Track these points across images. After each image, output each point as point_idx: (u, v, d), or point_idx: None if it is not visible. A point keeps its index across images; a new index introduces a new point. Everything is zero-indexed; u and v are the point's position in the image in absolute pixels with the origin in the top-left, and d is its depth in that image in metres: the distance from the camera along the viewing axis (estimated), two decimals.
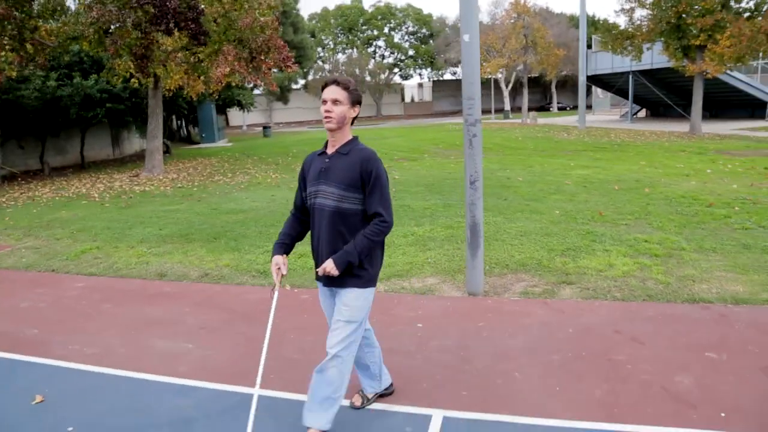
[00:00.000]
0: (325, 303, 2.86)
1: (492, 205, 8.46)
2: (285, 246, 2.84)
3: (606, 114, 40.66)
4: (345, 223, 2.61)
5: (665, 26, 19.80)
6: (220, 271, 5.85)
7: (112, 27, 12.07)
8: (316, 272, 2.71)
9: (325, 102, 2.61)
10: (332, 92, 2.60)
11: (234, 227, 7.99)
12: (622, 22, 22.65)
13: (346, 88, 2.61)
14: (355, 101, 2.65)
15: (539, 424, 2.93)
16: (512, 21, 31.04)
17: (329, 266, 2.57)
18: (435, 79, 63.04)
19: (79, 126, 20.09)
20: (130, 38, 12.02)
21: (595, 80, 33.55)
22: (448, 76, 62.12)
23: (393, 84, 60.18)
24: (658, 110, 33.53)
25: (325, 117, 2.60)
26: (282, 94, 40.37)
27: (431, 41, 57.94)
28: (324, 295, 2.85)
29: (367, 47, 58.58)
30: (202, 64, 13.01)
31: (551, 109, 51.94)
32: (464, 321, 4.34)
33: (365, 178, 2.58)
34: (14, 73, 13.04)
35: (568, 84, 54.06)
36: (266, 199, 10.41)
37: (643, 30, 21.30)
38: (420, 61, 59.10)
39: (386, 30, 58.87)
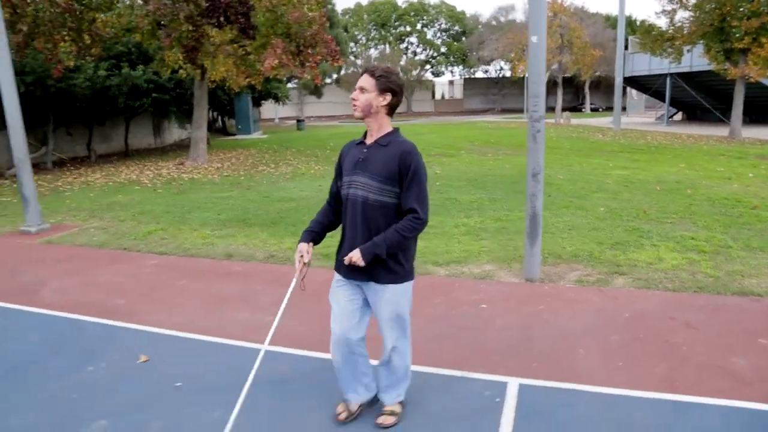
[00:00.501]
0: (340, 291, 2.75)
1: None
2: (313, 234, 2.78)
3: (640, 116, 40.30)
4: (378, 216, 2.55)
5: (708, 28, 19.67)
6: (284, 254, 6.21)
7: (164, 20, 12.51)
8: (339, 261, 2.70)
9: (354, 90, 2.59)
10: (361, 80, 2.56)
11: (289, 213, 8.37)
12: (662, 23, 22.49)
13: (372, 74, 2.54)
14: (384, 88, 2.54)
15: (609, 393, 3.21)
16: (551, 20, 30.88)
17: (356, 256, 2.52)
18: (466, 76, 62.97)
19: (124, 115, 20.77)
20: (182, 31, 12.48)
21: (631, 82, 33.29)
22: (479, 74, 61.98)
23: (424, 81, 60.29)
24: (695, 114, 33.14)
25: (352, 105, 2.59)
26: (316, 88, 40.83)
27: (463, 38, 57.90)
28: (341, 284, 2.75)
29: (400, 43, 58.79)
30: (250, 56, 13.43)
31: (583, 109, 51.56)
32: (524, 304, 4.61)
33: (403, 171, 2.51)
34: (72, 63, 13.64)
35: (601, 85, 53.60)
36: (314, 188, 10.77)
37: (684, 32, 21.17)
38: (452, 59, 59.10)
39: (419, 26, 58.99)
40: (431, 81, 62.70)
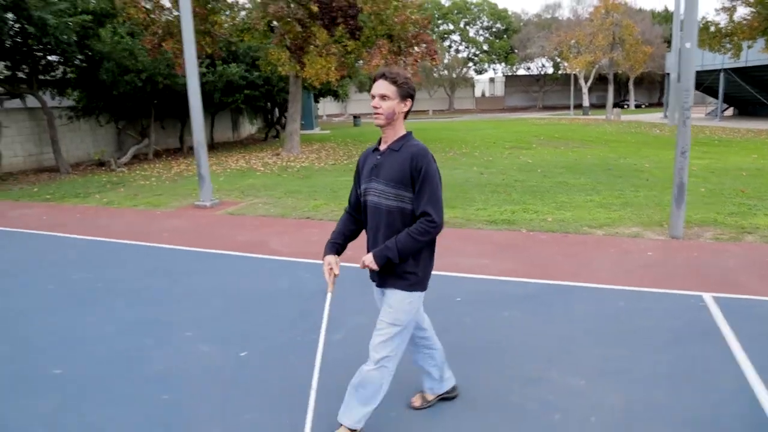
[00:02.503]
0: (378, 300, 2.75)
1: (640, 183, 9.84)
2: (337, 246, 2.73)
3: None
4: (395, 223, 2.50)
5: None
6: (456, 221, 7.47)
7: (279, 21, 13.89)
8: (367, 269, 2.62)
9: (373, 97, 2.48)
10: (380, 87, 2.45)
11: None
12: (721, 20, 23.16)
13: (394, 81, 2.46)
14: (405, 95, 2.48)
15: None
16: (602, 18, 31.73)
17: (368, 260, 2.50)
18: (508, 74, 63.66)
19: (210, 111, 22.36)
20: (294, 32, 13.85)
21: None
22: (521, 72, 62.61)
23: (467, 78, 61.25)
24: (746, 109, 33.55)
25: (374, 114, 2.49)
26: (370, 86, 42.24)
27: (505, 36, 58.64)
28: (377, 294, 2.75)
29: (443, 41, 59.78)
30: (351, 55, 14.76)
31: (627, 105, 51.91)
32: (681, 252, 5.80)
33: (414, 175, 2.44)
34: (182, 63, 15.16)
35: (644, 81, 53.91)
36: None
37: (744, 28, 21.84)
38: (494, 56, 59.86)
39: (461, 24, 59.88)
40: (472, 78, 63.55)
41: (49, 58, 15.72)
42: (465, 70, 60.28)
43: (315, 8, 13.57)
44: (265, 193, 10.40)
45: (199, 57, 16.04)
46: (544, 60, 57.12)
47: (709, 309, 4.27)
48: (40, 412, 3.14)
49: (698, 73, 31.96)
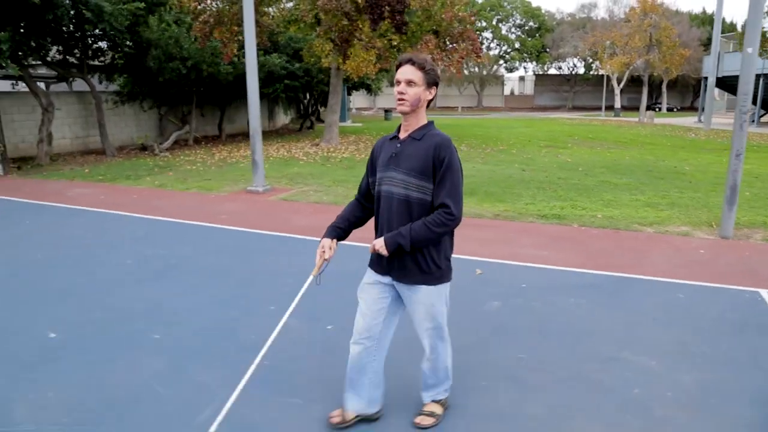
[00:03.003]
0: (370, 288, 2.63)
1: (683, 185, 9.93)
2: (338, 230, 2.66)
3: (722, 117, 40.07)
4: (412, 214, 2.41)
5: None
6: (508, 214, 7.69)
7: (327, 14, 14.16)
8: (372, 258, 2.64)
9: (398, 83, 2.39)
10: (406, 72, 2.37)
11: (476, 185, 9.87)
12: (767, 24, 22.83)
13: (422, 68, 2.37)
14: (432, 82, 2.41)
15: None
16: (640, 19, 31.45)
17: (379, 244, 2.43)
18: (539, 73, 63.30)
19: (246, 99, 22.76)
20: (340, 25, 14.12)
21: (719, 82, 33.37)
22: (552, 71, 62.20)
23: (497, 76, 61.05)
24: None
25: (399, 99, 2.39)
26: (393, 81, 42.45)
27: (538, 35, 58.27)
28: (372, 282, 2.63)
29: None
30: (394, 50, 14.98)
31: (659, 108, 51.28)
32: (732, 251, 5.95)
33: (437, 165, 2.37)
34: (235, 50, 15.53)
35: (677, 84, 53.18)
36: (468, 168, 12.25)
37: None
38: (525, 55, 59.54)
39: (494, 21, 59.65)
40: (503, 76, 63.31)
41: (100, 44, 16.18)
42: (496, 67, 60.07)
43: (362, 1, 13.81)
44: (313, 182, 10.69)
45: (243, 47, 16.45)
46: (575, 60, 56.70)
47: (767, 304, 4.44)
48: (154, 370, 3.45)
49: (736, 77, 31.56)
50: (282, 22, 15.21)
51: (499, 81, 63.06)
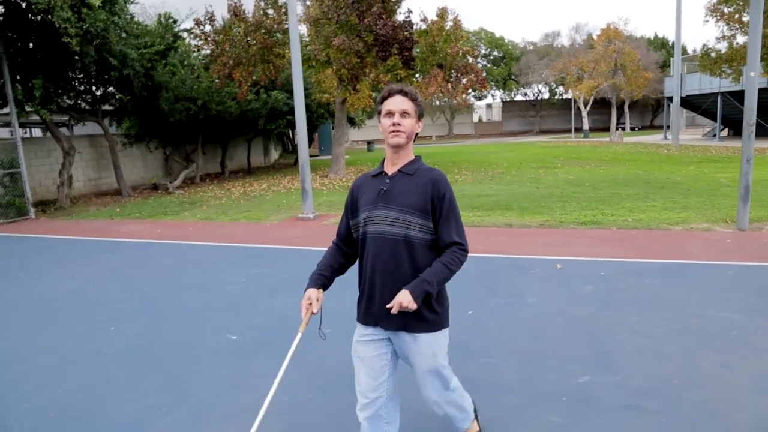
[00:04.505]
0: (365, 347, 2.39)
1: (684, 192, 11.16)
2: (323, 278, 2.44)
3: (684, 133, 42.53)
4: (407, 254, 2.24)
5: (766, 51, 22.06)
6: (550, 223, 8.71)
7: (340, 54, 15.25)
8: (363, 311, 2.40)
9: (391, 114, 2.25)
10: (401, 103, 2.25)
11: (508, 201, 10.95)
12: (722, 47, 24.94)
13: (413, 99, 2.29)
14: (421, 114, 2.33)
15: None
16: (605, 45, 33.61)
17: (405, 299, 2.14)
18: (506, 99, 65.75)
19: (245, 137, 23.62)
20: (351, 62, 15.22)
21: (681, 101, 35.67)
22: (518, 97, 64.72)
23: (468, 104, 63.18)
24: (741, 130, 35.37)
25: (393, 131, 2.24)
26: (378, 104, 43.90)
27: (503, 63, 60.78)
28: (366, 338, 2.39)
29: None
30: (400, 83, 16.10)
31: (623, 128, 53.83)
32: (754, 239, 7.07)
33: (437, 202, 2.24)
34: (246, 89, 16.46)
35: (638, 105, 56.03)
36: (486, 187, 13.31)
37: (744, 54, 23.57)
38: (492, 83, 61.89)
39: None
40: (473, 104, 65.52)
41: (111, 89, 16.85)
42: (465, 96, 62.18)
43: (370, 40, 14.94)
44: None
45: (255, 84, 17.40)
46: (540, 86, 59.32)
47: None
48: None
49: (697, 96, 33.91)
50: None
51: (469, 109, 65.19)
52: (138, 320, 5.23)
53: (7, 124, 17.78)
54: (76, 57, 13.09)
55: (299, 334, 2.36)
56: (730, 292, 5.09)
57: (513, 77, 57.97)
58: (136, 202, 15.38)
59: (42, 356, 4.46)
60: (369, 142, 38.15)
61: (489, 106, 70.19)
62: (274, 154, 29.77)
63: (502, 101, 66.73)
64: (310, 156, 33.19)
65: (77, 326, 5.13)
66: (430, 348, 2.32)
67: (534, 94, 62.60)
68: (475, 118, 69.53)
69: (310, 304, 2.34)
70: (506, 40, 62.40)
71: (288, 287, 6.05)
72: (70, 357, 4.41)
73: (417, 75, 15.74)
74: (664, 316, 4.54)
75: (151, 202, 15.13)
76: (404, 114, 2.25)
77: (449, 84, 15.75)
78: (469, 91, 17.70)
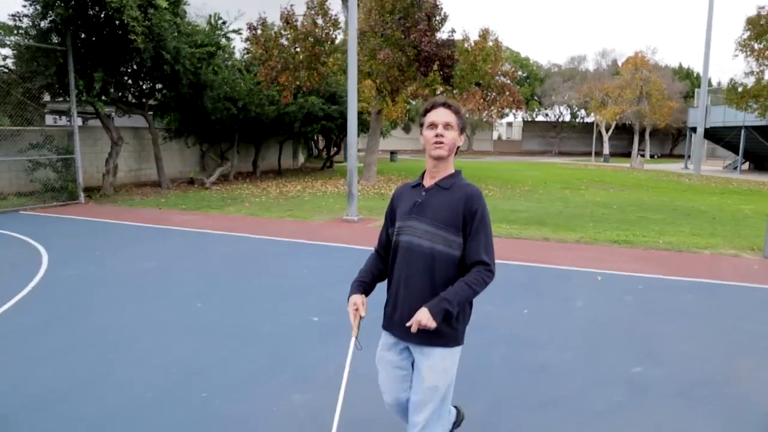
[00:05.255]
0: (388, 356, 2.46)
1: (710, 220, 11.65)
2: (364, 285, 2.52)
3: (704, 164, 42.76)
4: (434, 268, 2.26)
5: None
6: (585, 240, 9.24)
7: (382, 66, 15.90)
8: (388, 319, 2.46)
9: (434, 125, 2.29)
10: (444, 115, 2.29)
11: (541, 217, 11.50)
12: (749, 82, 25.37)
13: (456, 112, 2.33)
14: (463, 128, 2.36)
15: None
16: (632, 73, 34.16)
17: (424, 318, 2.16)
18: (527, 119, 66.29)
19: (278, 138, 24.34)
20: (393, 75, 15.87)
21: (704, 133, 36.04)
22: (540, 117, 65.23)
23: (490, 122, 63.79)
24: (762, 164, 35.69)
25: (436, 143, 2.28)
26: (405, 125, 44.66)
27: (527, 83, 61.40)
28: (389, 347, 2.46)
29: None
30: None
31: (643, 155, 54.15)
32: None
33: (468, 218, 2.24)
34: (289, 94, 17.16)
35: (659, 133, 56.36)
36: (519, 204, 13.86)
37: None
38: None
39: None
40: (493, 122, 66.13)
41: (157, 85, 17.56)
42: (502, 114, 62.90)
43: (412, 55, 15.59)
44: None
45: (298, 90, 18.11)
46: (562, 108, 59.85)
47: None
48: None
49: (720, 128, 34.28)
50: (338, 71, 16.91)
51: (490, 126, 65.81)
52: (220, 299, 5.83)
53: (57, 112, 18.66)
54: (134, 53, 13.80)
55: (353, 338, 2.42)
56: (759, 311, 5.61)
57: (536, 98, 58.53)
58: (176, 194, 16.05)
59: (145, 325, 5.06)
60: (392, 152, 38.77)
61: (509, 124, 70.75)
62: (301, 158, 30.48)
63: (523, 120, 67.26)
64: (337, 162, 33.99)
65: (165, 302, 5.73)
66: (442, 363, 2.32)
67: (555, 116, 63.11)
68: (495, 136, 70.11)
69: (357, 309, 2.41)
70: (531, 61, 63.02)
71: (349, 279, 6.60)
72: (169, 327, 5.00)
73: (455, 91, 16.35)
74: (702, 326, 5.07)
75: (191, 195, 15.78)
76: (447, 126, 2.29)
77: (486, 102, 16.36)
78: (505, 110, 18.29)
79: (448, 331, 2.28)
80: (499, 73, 16.08)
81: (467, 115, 17.23)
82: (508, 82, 16.72)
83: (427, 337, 2.27)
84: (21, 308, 5.46)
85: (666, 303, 5.78)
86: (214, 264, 7.43)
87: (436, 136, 2.27)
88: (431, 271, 2.26)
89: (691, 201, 15.86)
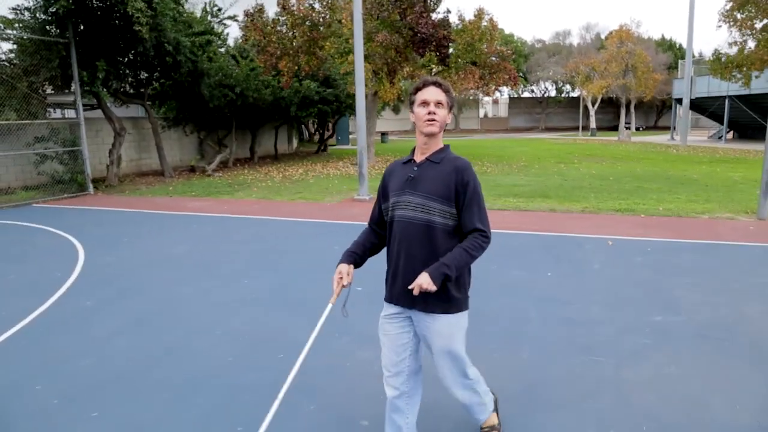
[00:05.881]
0: (390, 324, 2.56)
1: (703, 188, 12.21)
2: (354, 256, 2.62)
3: (689, 135, 43.50)
4: (434, 240, 2.37)
5: None
6: (590, 209, 9.75)
7: (380, 48, 16.18)
8: (390, 291, 2.56)
9: (426, 103, 2.39)
10: (435, 93, 2.39)
11: (545, 190, 11.98)
12: (732, 52, 25.88)
13: (447, 90, 2.43)
14: (452, 106, 2.48)
15: None
16: (617, 46, 34.61)
17: (426, 281, 2.27)
18: (513, 96, 66.68)
19: (273, 123, 24.57)
20: (391, 57, 16.18)
21: (689, 103, 36.69)
22: (525, 94, 65.63)
23: (476, 99, 64.15)
24: (745, 133, 36.48)
25: (428, 120, 2.38)
26: (395, 106, 44.91)
27: (512, 60, 61.64)
28: (392, 317, 2.55)
29: None
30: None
31: (629, 128, 54.88)
32: None
33: (460, 189, 2.35)
34: (287, 79, 17.41)
35: (643, 105, 57.09)
36: (519, 178, 14.34)
37: (754, 60, 24.58)
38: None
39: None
40: (480, 99, 66.46)
41: (155, 74, 17.67)
42: (473, 91, 63.11)
43: (408, 36, 15.88)
44: None
45: (297, 75, 18.37)
46: (547, 83, 60.31)
47: None
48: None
49: (704, 99, 34.94)
50: (336, 54, 17.16)
51: (476, 104, 66.16)
52: (264, 275, 6.25)
53: (58, 104, 18.75)
54: (137, 43, 13.97)
55: (330, 305, 2.53)
56: (760, 265, 6.15)
57: (522, 74, 58.88)
58: (181, 182, 16.32)
59: (201, 301, 5.47)
60: (383, 133, 39.08)
61: (495, 101, 71.01)
62: (295, 143, 30.71)
63: (509, 97, 67.65)
64: (330, 145, 34.19)
65: (211, 280, 6.13)
66: (447, 329, 2.44)
67: (540, 92, 63.57)
68: (482, 114, 70.49)
69: (341, 278, 2.52)
70: (515, 37, 63.23)
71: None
72: (224, 302, 5.41)
73: (452, 71, 16.70)
74: (709, 280, 5.60)
75: (196, 182, 16.07)
76: (438, 104, 2.39)
77: (483, 81, 16.75)
78: (502, 87, 18.71)
79: (450, 298, 2.41)
80: (496, 52, 16.44)
81: (461, 95, 17.58)
82: (504, 60, 17.09)
83: (431, 305, 2.40)
84: (77, 292, 5.84)
85: (674, 262, 6.30)
86: (246, 245, 7.83)
87: (429, 113, 2.38)
88: (429, 242, 2.37)
89: (682, 170, 16.44)
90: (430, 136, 2.41)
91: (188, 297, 5.57)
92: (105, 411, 3.38)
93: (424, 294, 2.33)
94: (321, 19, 16.42)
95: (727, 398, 3.30)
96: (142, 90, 17.77)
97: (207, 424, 3.21)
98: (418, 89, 2.44)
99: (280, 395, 2.41)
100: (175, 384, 3.72)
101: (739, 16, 25.20)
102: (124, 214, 10.88)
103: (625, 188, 12.30)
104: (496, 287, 5.52)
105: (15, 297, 5.71)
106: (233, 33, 68.18)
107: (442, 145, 2.48)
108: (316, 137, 36.89)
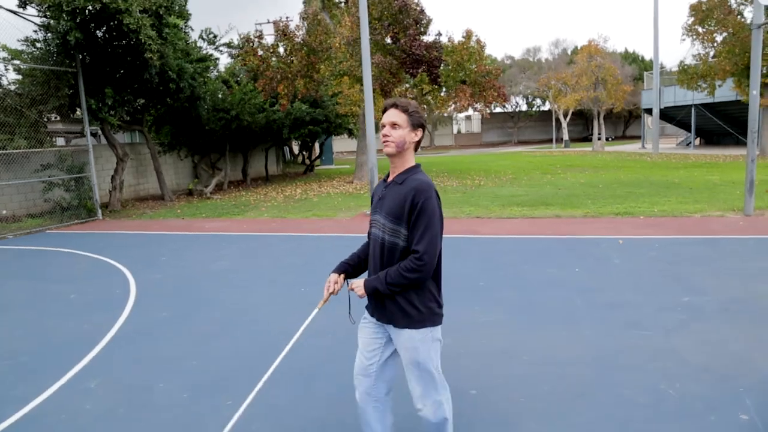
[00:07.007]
0: (366, 327, 2.70)
1: (687, 190, 13.17)
2: (346, 266, 2.77)
3: (659, 143, 45.29)
4: (391, 259, 2.46)
5: (738, 68, 24.61)
6: (591, 214, 10.56)
7: (375, 70, 16.94)
8: (369, 304, 2.70)
9: (383, 126, 2.48)
10: (391, 115, 2.46)
11: (544, 199, 12.73)
12: (697, 64, 27.41)
13: (405, 110, 2.46)
14: (416, 124, 2.48)
15: None
16: (588, 61, 36.16)
17: (356, 283, 2.54)
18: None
19: (263, 145, 25.12)
20: (385, 78, 16.97)
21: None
22: (498, 109, 67.30)
23: (450, 116, 65.54)
24: (711, 139, 38.29)
25: (384, 141, 2.45)
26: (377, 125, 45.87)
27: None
28: (367, 322, 2.70)
29: None
30: (426, 97, 17.94)
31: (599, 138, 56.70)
32: (760, 221, 9.02)
33: (410, 210, 2.37)
34: (286, 102, 18.06)
35: (611, 116, 59.17)
36: (516, 190, 15.15)
37: (717, 70, 26.09)
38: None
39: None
40: (455, 116, 67.92)
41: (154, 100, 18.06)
42: (487, 108, 64.50)
43: (400, 58, 16.71)
44: None
45: (291, 97, 19.03)
46: (518, 98, 62.07)
47: None
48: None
49: (672, 108, 36.62)
50: (331, 77, 17.88)
51: (450, 121, 67.58)
52: (319, 284, 6.80)
53: (66, 133, 18.97)
54: (142, 70, 14.45)
55: (316, 309, 2.73)
56: (756, 252, 6.98)
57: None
58: (183, 205, 16.71)
59: (275, 307, 6.01)
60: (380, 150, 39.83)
61: (468, 117, 72.67)
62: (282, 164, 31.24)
63: (482, 113, 69.24)
64: (316, 166, 34.69)
65: (268, 289, 6.64)
66: (410, 342, 2.49)
67: (512, 107, 65.35)
68: (455, 130, 71.97)
69: (329, 285, 2.69)
70: (485, 54, 64.95)
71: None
72: (296, 307, 5.96)
73: (443, 90, 17.56)
74: (717, 267, 6.39)
75: (199, 205, 16.46)
76: (394, 126, 2.44)
77: (473, 98, 17.65)
78: (493, 104, 19.68)
79: (411, 313, 2.47)
80: (484, 70, 17.39)
81: (453, 112, 18.40)
82: (493, 78, 18.06)
83: (395, 319, 2.50)
84: (146, 305, 6.23)
85: (681, 255, 7.09)
86: (286, 259, 8.32)
87: (384, 135, 2.46)
88: (384, 259, 2.49)
89: (662, 176, 17.49)
90: (391, 156, 2.49)
91: (257, 305, 6.07)
92: (236, 399, 3.92)
93: (391, 308, 2.50)
94: (318, 44, 17.15)
95: (766, 353, 4.02)
96: (139, 116, 18.18)
97: (333, 407, 3.78)
98: (382, 112, 2.54)
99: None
100: (296, 372, 4.28)
101: (700, 29, 26.79)
102: (145, 237, 11.22)
103: (617, 194, 13.19)
104: (537, 283, 6.21)
105: (89, 312, 6.05)
106: (223, 59, 68.48)
107: (412, 164, 2.52)
108: (300, 158, 37.57)
